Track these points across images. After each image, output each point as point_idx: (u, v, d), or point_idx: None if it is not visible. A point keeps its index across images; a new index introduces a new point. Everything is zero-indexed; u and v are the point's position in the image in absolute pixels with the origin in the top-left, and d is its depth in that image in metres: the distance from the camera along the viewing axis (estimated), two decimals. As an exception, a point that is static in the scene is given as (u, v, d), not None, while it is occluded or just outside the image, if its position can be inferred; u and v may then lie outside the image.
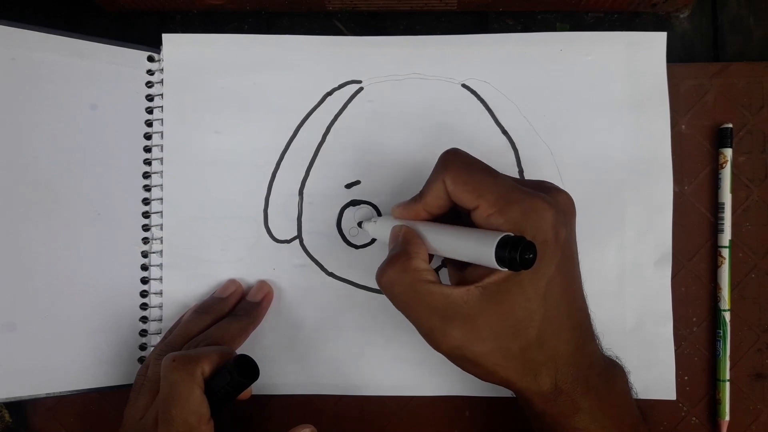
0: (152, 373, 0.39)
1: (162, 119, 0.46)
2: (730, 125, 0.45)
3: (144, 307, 0.45)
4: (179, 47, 0.46)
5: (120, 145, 0.45)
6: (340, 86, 0.46)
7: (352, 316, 0.45)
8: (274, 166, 0.46)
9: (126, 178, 0.45)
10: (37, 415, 0.46)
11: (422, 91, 0.45)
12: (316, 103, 0.46)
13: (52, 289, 0.43)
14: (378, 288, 0.45)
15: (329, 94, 0.46)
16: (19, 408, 0.46)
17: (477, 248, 0.32)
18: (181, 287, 0.45)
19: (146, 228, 0.46)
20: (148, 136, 0.46)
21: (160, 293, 0.45)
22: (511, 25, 0.48)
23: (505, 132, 0.45)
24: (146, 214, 0.46)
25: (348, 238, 0.45)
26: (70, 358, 0.44)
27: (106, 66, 0.45)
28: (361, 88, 0.46)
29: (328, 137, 0.46)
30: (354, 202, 0.45)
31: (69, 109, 0.44)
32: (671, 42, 0.47)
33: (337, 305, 0.45)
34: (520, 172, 0.45)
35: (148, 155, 0.46)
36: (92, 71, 0.44)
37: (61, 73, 0.44)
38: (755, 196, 0.45)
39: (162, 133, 0.46)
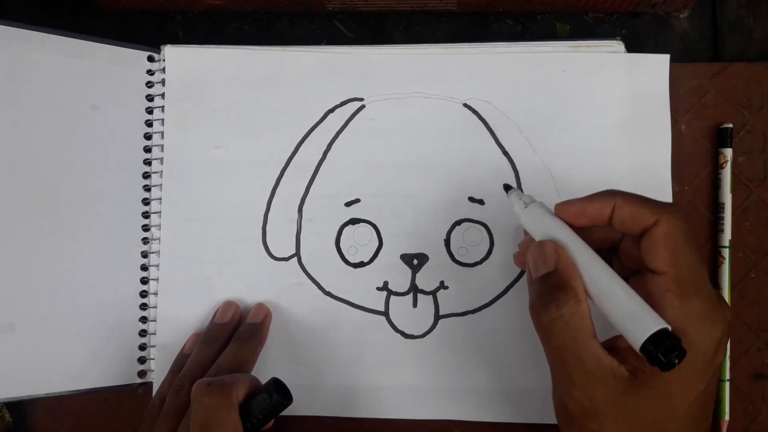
0: (170, 405, 0.38)
1: (162, 119, 0.46)
2: (730, 125, 0.45)
3: (144, 307, 0.45)
4: (181, 60, 0.45)
5: (120, 144, 0.45)
6: (342, 103, 0.45)
7: (348, 337, 0.44)
8: (274, 182, 0.45)
9: (126, 178, 0.45)
10: (37, 415, 0.46)
11: (424, 110, 0.45)
12: (317, 120, 0.45)
13: (52, 289, 0.43)
14: (374, 309, 0.44)
15: (331, 111, 0.45)
16: (19, 408, 0.46)
17: (630, 323, 0.30)
18: (179, 304, 0.45)
19: (146, 228, 0.46)
20: (148, 136, 0.46)
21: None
22: (510, 25, 0.48)
23: (505, 153, 0.45)
24: (146, 214, 0.46)
25: (346, 257, 0.45)
26: (70, 358, 0.44)
27: (106, 66, 0.45)
28: (363, 106, 0.45)
29: (329, 154, 0.45)
30: (353, 221, 0.45)
31: (69, 109, 0.44)
32: (671, 42, 0.47)
33: (334, 325, 0.44)
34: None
35: (148, 155, 0.46)
36: (92, 71, 0.44)
37: (62, 73, 0.44)
38: (755, 196, 0.45)
39: (162, 133, 0.46)
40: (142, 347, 0.45)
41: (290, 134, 0.45)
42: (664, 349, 0.29)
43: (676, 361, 0.29)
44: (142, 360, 0.45)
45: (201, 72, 0.45)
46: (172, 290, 0.45)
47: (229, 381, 0.36)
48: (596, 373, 0.31)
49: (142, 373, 0.45)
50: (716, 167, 0.45)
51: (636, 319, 0.30)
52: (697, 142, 0.45)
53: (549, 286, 0.32)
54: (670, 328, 0.30)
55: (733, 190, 0.45)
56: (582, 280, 0.32)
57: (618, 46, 0.43)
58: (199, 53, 0.46)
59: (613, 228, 0.34)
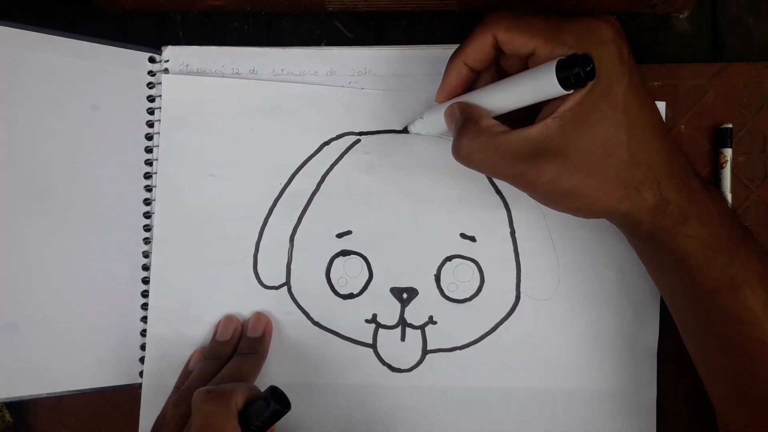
0: (172, 415, 0.38)
1: (162, 119, 0.46)
2: (730, 125, 0.45)
3: (145, 307, 0.45)
4: (178, 89, 0.45)
5: (121, 145, 0.45)
6: (338, 137, 0.45)
7: (335, 368, 0.45)
8: (266, 211, 0.45)
9: (127, 178, 0.45)
10: (38, 415, 0.46)
11: (418, 146, 0.45)
12: (312, 151, 0.45)
13: (54, 288, 0.43)
14: (362, 341, 0.45)
15: (326, 143, 0.45)
16: (19, 408, 0.46)
17: (539, 82, 0.32)
18: (169, 328, 0.45)
19: (147, 228, 0.46)
20: (149, 137, 0.46)
21: (161, 293, 0.45)
22: (511, 25, 0.48)
23: (498, 191, 0.45)
24: (147, 214, 0.46)
25: (336, 288, 0.45)
26: (71, 358, 0.44)
27: (107, 66, 0.45)
28: (359, 140, 0.45)
29: (322, 186, 0.45)
30: (344, 252, 0.45)
31: (70, 110, 0.44)
32: (671, 42, 0.47)
33: (322, 355, 0.45)
34: (512, 233, 0.45)
35: (149, 155, 0.46)
36: (93, 72, 0.45)
37: (63, 73, 0.44)
38: (755, 196, 0.45)
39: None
40: (143, 347, 0.45)
41: (285, 164, 0.45)
42: (575, 66, 0.31)
43: (591, 66, 0.31)
44: (143, 360, 0.45)
45: (198, 101, 0.45)
46: (162, 315, 0.45)
47: (228, 389, 0.36)
48: (535, 147, 0.33)
49: (142, 373, 0.45)
50: (716, 167, 0.45)
51: (539, 74, 0.32)
52: (696, 142, 0.45)
53: (457, 132, 0.35)
54: (563, 57, 0.32)
55: (733, 191, 0.45)
56: (485, 107, 0.35)
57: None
58: (196, 83, 0.45)
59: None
